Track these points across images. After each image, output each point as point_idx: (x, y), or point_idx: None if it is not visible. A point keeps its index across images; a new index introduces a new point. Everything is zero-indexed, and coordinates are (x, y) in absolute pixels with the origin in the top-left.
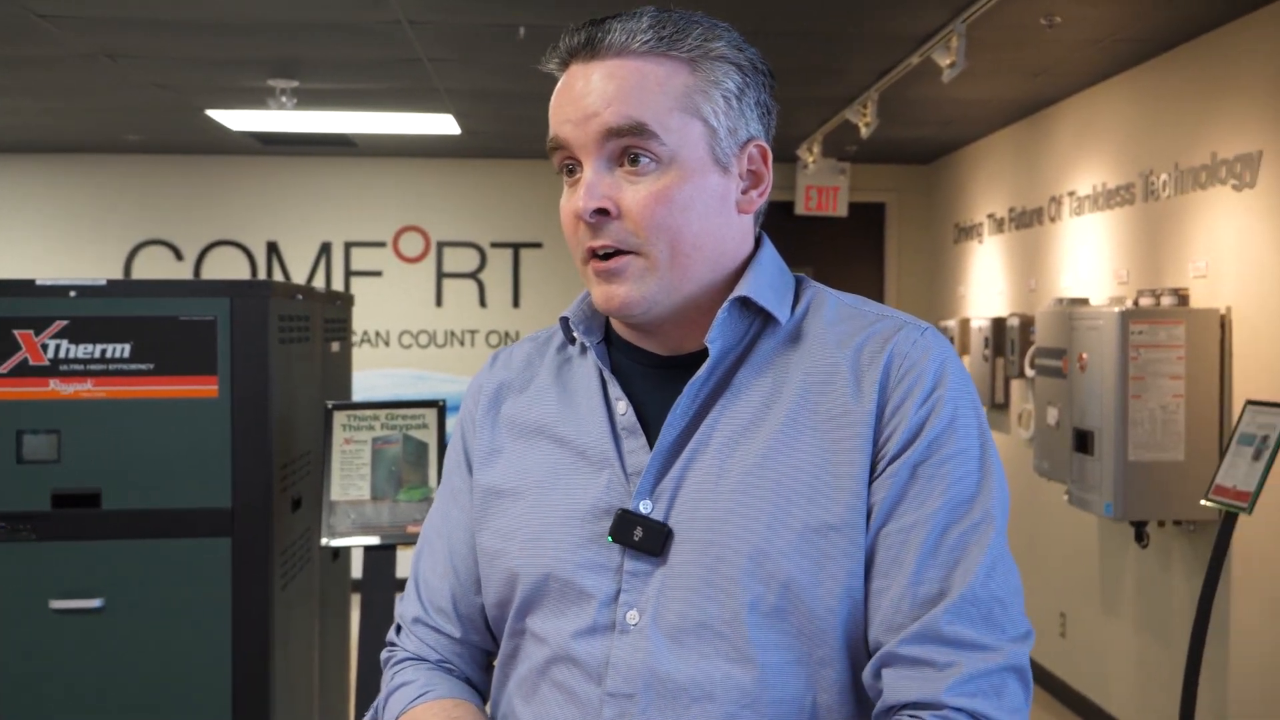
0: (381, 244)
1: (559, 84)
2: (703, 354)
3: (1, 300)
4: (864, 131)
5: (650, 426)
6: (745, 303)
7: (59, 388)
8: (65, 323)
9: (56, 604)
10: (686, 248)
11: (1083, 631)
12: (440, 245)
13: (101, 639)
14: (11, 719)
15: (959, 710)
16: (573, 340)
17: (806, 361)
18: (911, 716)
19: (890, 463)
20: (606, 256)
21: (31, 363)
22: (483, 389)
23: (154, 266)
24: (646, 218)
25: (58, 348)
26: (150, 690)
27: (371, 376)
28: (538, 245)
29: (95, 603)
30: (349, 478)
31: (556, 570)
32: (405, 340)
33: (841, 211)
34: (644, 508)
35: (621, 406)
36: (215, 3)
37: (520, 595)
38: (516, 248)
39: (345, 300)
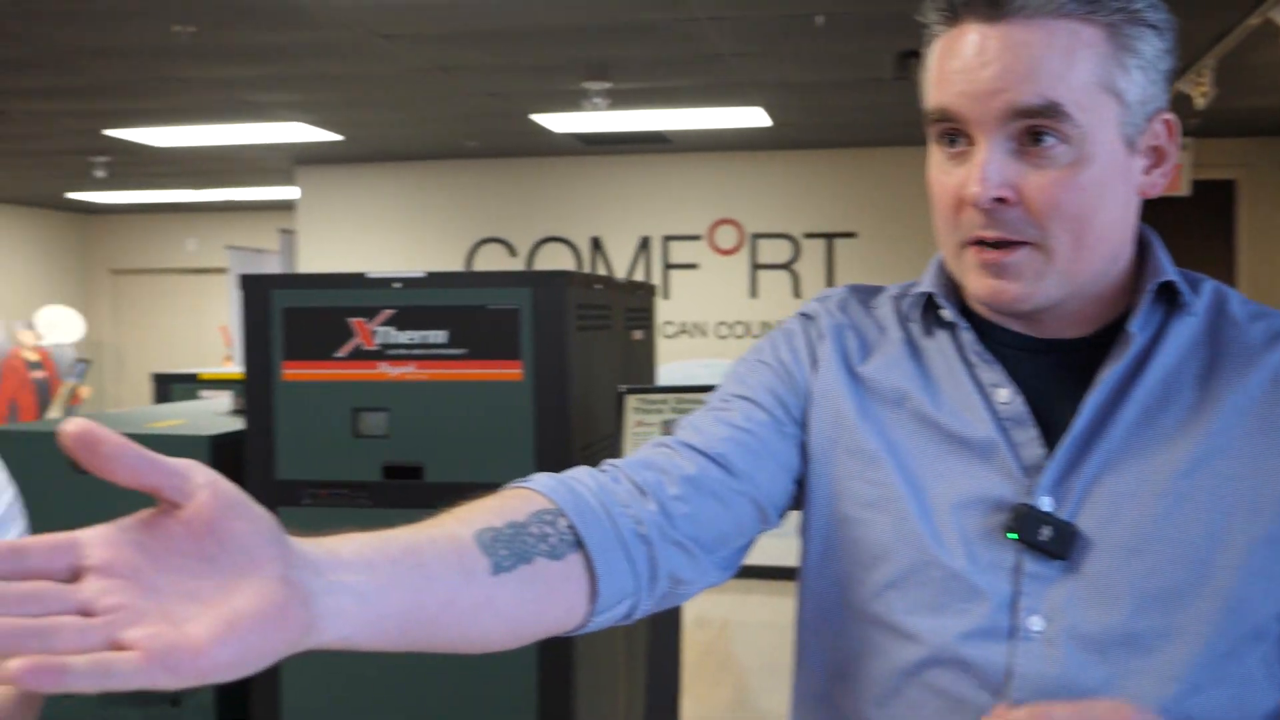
0: (697, 237)
1: (941, 42)
2: (1086, 340)
3: (339, 291)
4: (1199, 102)
5: (1036, 417)
6: (1167, 289)
7: (387, 370)
8: (392, 311)
9: None
10: (1092, 239)
11: None
12: (754, 237)
13: None
14: (337, 671)
15: None
16: (937, 320)
17: (1232, 359)
18: None
19: None
20: (998, 245)
21: (365, 348)
22: (817, 321)
23: (491, 262)
24: (1052, 207)
25: (386, 334)
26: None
27: (691, 367)
28: (852, 235)
29: None
30: None
31: (944, 559)
32: (721, 331)
33: (1184, 190)
34: (1046, 505)
35: (1005, 394)
36: (532, 11)
37: (886, 576)
38: (830, 238)
39: (647, 290)
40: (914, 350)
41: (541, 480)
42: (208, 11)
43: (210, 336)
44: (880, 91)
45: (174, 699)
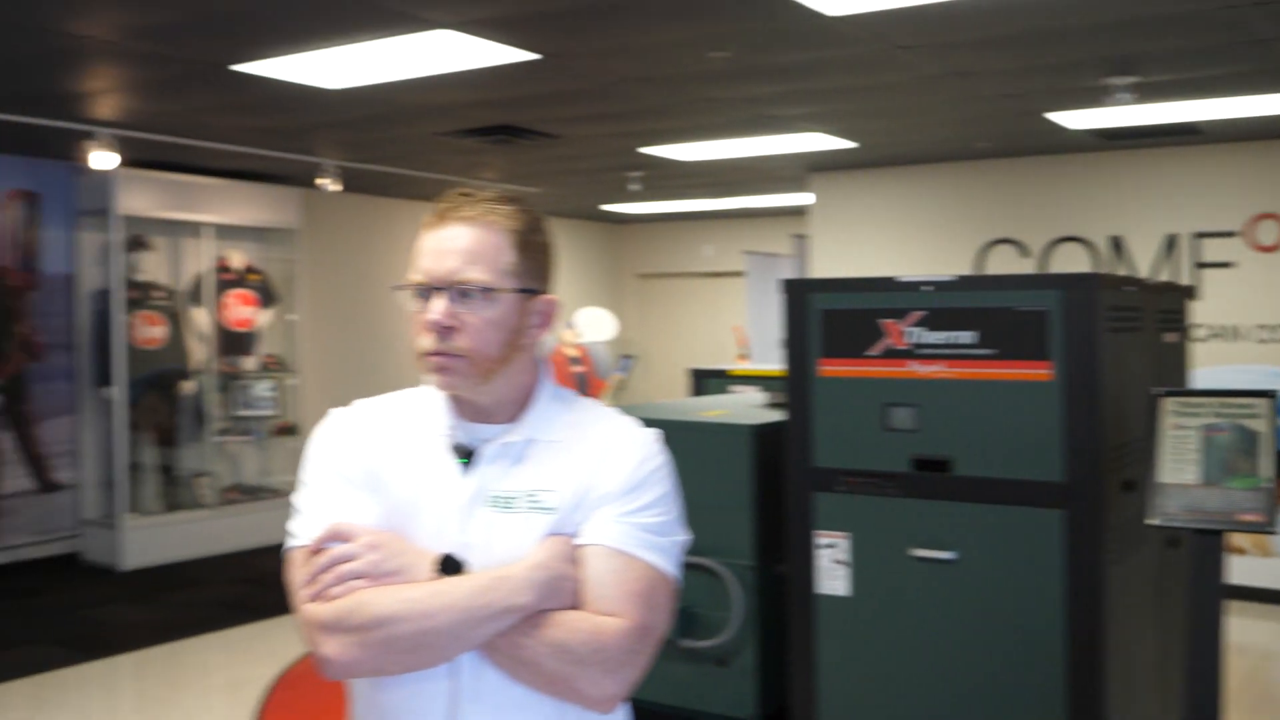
0: (1232, 233)
1: None
2: None
3: (869, 295)
4: None
5: None
6: None
7: (916, 368)
8: (922, 313)
9: (916, 552)
10: None
11: None
12: None
13: (952, 588)
14: (865, 643)
15: None
16: None
17: None
18: None
19: None
20: None
21: (895, 347)
22: None
23: (1002, 264)
24: None
25: (916, 334)
26: (990, 639)
27: (1224, 373)
28: None
29: (949, 555)
30: (1177, 462)
31: None
32: (1261, 335)
33: None
34: None
35: None
36: (1054, 13)
37: None
38: None
39: (1181, 291)
40: None
41: None
42: (743, 38)
43: (724, 336)
44: None
45: (720, 659)
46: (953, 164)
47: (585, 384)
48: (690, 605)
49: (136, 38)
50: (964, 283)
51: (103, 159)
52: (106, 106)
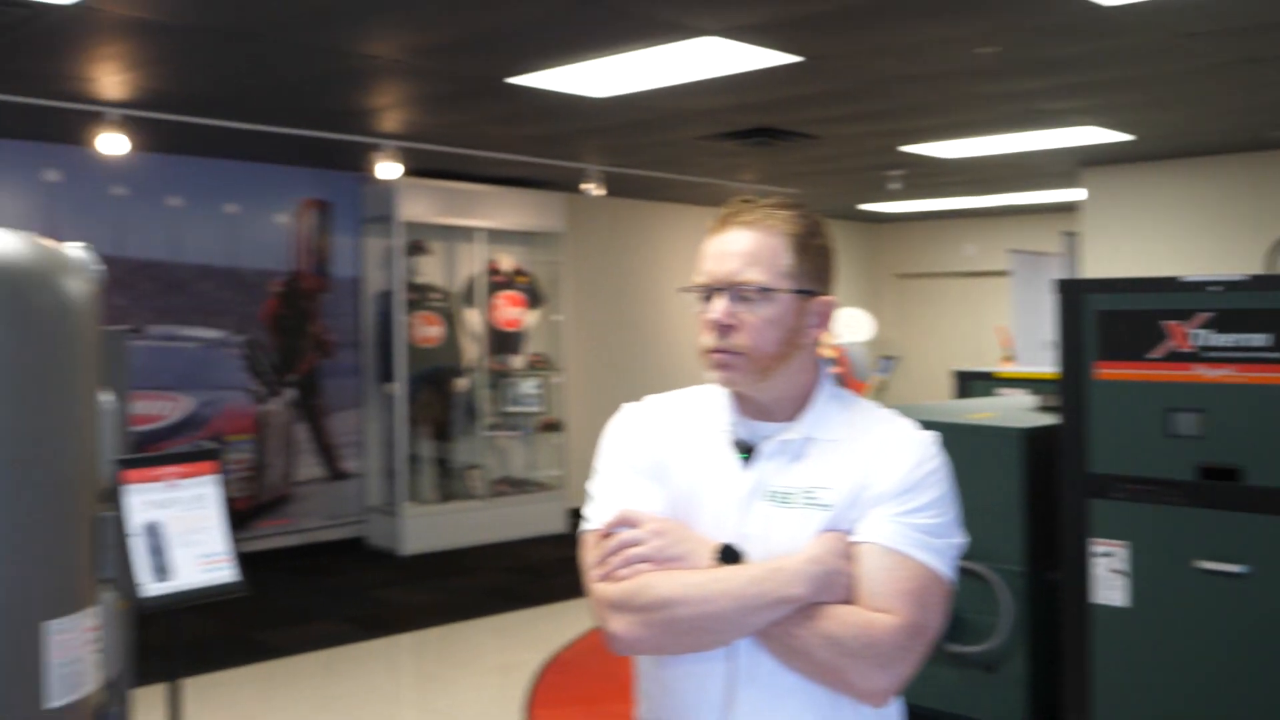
0: None
1: None
2: None
3: (1151, 295)
4: None
5: None
6: None
7: (1203, 372)
8: (1210, 314)
9: (1201, 564)
10: None
11: None
12: None
13: (1241, 602)
14: (1143, 655)
15: None
16: None
17: None
18: None
19: None
20: None
21: (1179, 350)
22: None
23: None
24: None
25: (1202, 337)
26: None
27: None
28: None
29: (1238, 568)
30: None
31: None
32: None
33: None
34: None
35: None
36: None
37: None
38: None
39: None
40: None
41: None
42: (1013, 32)
43: (986, 337)
44: None
45: (988, 665)
46: (1241, 155)
47: (842, 386)
48: (958, 610)
49: (421, 56)
50: (1258, 282)
51: (388, 169)
52: (391, 120)
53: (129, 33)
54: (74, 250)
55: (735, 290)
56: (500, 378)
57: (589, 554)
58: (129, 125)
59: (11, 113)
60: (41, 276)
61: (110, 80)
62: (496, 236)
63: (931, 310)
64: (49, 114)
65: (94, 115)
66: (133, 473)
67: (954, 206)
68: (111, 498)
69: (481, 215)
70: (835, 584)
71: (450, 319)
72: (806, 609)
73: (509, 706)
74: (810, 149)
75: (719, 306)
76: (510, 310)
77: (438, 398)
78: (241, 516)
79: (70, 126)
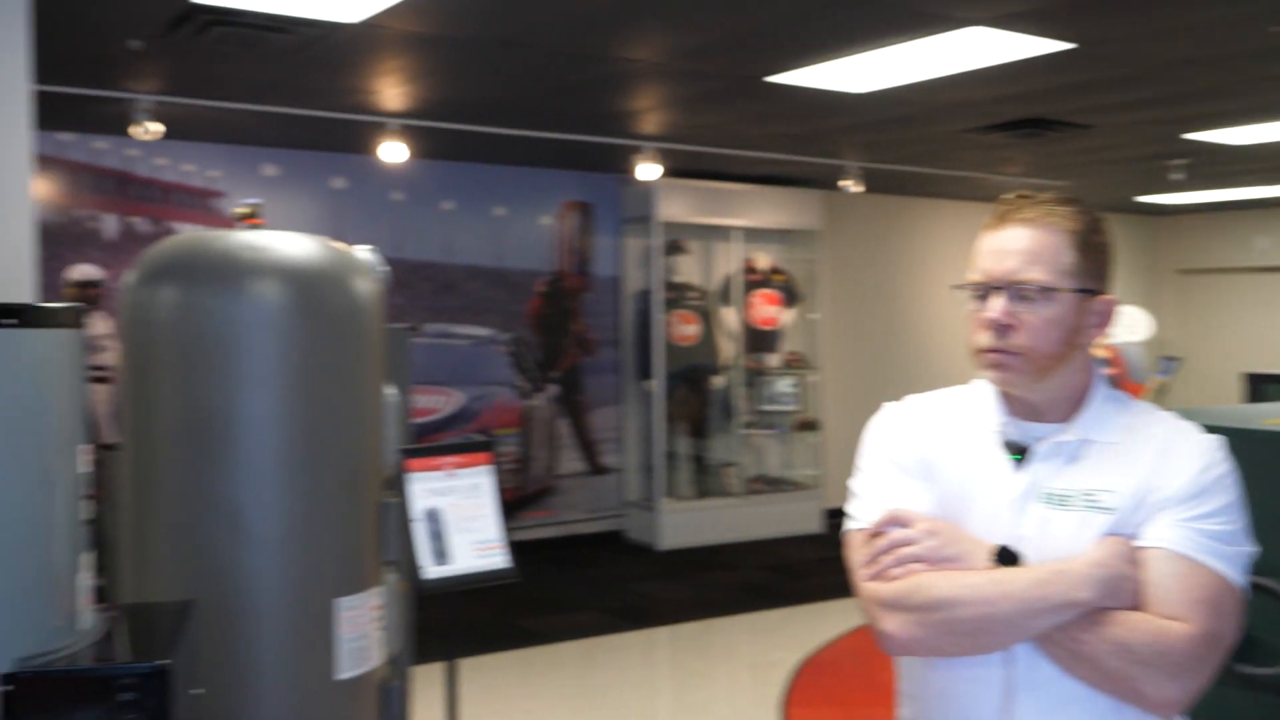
0: None
1: None
2: None
3: None
4: None
5: None
6: None
7: None
8: None
9: None
10: None
11: None
12: None
13: None
14: None
15: None
16: None
17: None
18: None
19: None
20: None
21: None
22: None
23: None
24: None
25: None
26: None
27: None
28: None
29: None
30: None
31: None
32: None
33: None
34: None
35: None
36: None
37: None
38: None
39: None
40: None
41: None
42: None
43: (1277, 336)
44: None
45: None
46: None
47: (1117, 388)
48: (1249, 628)
49: (681, 58)
50: None
51: (647, 170)
52: (651, 122)
53: (409, 47)
54: (363, 253)
55: (1015, 289)
56: (756, 376)
57: (856, 553)
58: (408, 134)
59: (303, 125)
60: (336, 278)
61: (391, 92)
62: (753, 235)
63: (1217, 308)
64: (336, 125)
65: (377, 125)
66: (415, 462)
67: (1243, 196)
68: (395, 485)
69: (738, 214)
70: (1122, 589)
71: (707, 317)
72: (1093, 614)
73: (763, 704)
74: (1083, 139)
75: (997, 305)
76: (766, 309)
77: (694, 395)
78: (507, 507)
79: (355, 137)
